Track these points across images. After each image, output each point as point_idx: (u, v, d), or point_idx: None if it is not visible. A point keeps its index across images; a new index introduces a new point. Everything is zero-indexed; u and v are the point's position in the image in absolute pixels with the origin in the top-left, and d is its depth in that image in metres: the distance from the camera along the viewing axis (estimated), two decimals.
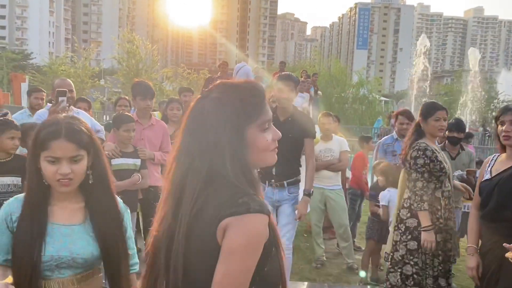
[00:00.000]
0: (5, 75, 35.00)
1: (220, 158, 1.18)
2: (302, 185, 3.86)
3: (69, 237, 1.60)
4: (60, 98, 3.50)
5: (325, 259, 5.16)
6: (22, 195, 1.63)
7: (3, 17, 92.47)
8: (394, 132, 4.99)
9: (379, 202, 4.58)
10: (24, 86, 18.85)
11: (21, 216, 1.60)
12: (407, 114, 4.85)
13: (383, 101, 28.97)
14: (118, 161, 3.72)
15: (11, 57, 45.22)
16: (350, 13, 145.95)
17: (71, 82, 4.19)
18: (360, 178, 5.61)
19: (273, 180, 3.68)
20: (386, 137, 5.17)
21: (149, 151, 3.95)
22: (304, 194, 3.73)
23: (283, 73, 4.11)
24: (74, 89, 4.15)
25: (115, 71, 30.79)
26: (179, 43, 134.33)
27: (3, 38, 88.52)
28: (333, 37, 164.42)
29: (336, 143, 5.11)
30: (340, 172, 5.20)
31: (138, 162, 3.81)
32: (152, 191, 3.93)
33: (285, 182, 3.71)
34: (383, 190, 4.56)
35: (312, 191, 3.84)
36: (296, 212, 3.71)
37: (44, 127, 1.60)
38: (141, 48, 25.81)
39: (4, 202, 3.19)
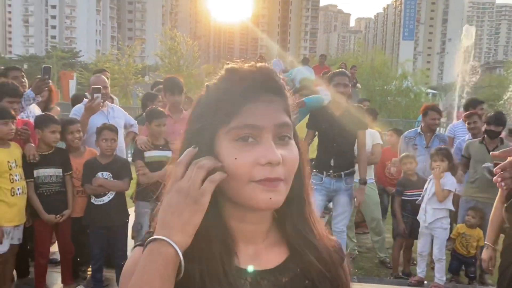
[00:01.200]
0: (55, 73, 36.72)
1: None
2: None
3: None
4: (95, 95, 3.68)
5: (356, 252, 5.15)
6: None
7: (54, 17, 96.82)
8: (420, 126, 4.95)
9: (406, 197, 4.52)
10: (72, 83, 19.72)
11: None
12: (437, 109, 4.97)
13: (431, 94, 28.01)
14: (150, 153, 3.86)
15: (61, 55, 47.36)
16: (396, 3, 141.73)
17: (105, 79, 4.39)
18: (381, 172, 5.51)
19: (331, 171, 3.90)
20: (410, 130, 5.13)
21: None
22: (360, 183, 4.03)
23: (337, 70, 4.21)
24: (108, 86, 4.35)
25: (159, 67, 31.51)
26: (221, 38, 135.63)
27: (54, 37, 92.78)
28: (377, 28, 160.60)
29: (368, 136, 4.94)
30: (372, 166, 5.11)
31: (169, 154, 3.94)
32: None
33: (342, 173, 3.93)
34: (411, 185, 4.50)
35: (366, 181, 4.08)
36: (355, 200, 4.01)
37: None
38: (182, 44, 26.29)
39: (47, 192, 3.46)
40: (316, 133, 4.13)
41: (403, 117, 20.91)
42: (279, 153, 0.76)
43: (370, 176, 5.01)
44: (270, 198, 0.76)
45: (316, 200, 4.01)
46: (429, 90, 28.86)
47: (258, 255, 0.84)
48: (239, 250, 0.82)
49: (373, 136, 5.02)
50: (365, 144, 4.09)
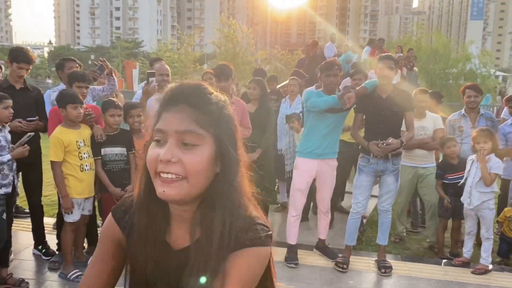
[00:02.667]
0: (119, 62, 38.57)
1: None
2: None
3: None
4: (150, 79, 4.06)
5: (404, 234, 5.21)
6: None
7: (117, 8, 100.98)
8: (464, 108, 4.91)
9: (447, 181, 4.55)
10: (135, 73, 20.78)
11: None
12: (475, 88, 4.90)
13: (501, 77, 26.47)
14: None
15: (125, 45, 49.55)
16: None
17: (168, 67, 4.77)
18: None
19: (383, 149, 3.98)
20: (454, 113, 5.08)
21: None
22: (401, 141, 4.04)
23: (383, 54, 4.31)
24: (170, 74, 4.71)
25: (216, 55, 32.19)
26: (278, 24, 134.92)
27: (118, 28, 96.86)
28: (443, 8, 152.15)
29: (429, 121, 4.89)
30: (433, 151, 5.00)
31: None
32: None
33: (389, 154, 4.02)
34: (452, 168, 4.51)
35: (405, 143, 4.11)
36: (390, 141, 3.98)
37: None
38: (238, 32, 26.65)
39: (113, 169, 3.89)
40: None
41: None
42: (178, 155, 0.93)
43: (431, 160, 4.95)
44: (164, 191, 0.95)
45: (363, 181, 4.16)
46: (498, 73, 27.31)
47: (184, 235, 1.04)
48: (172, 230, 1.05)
49: (435, 120, 4.92)
50: (412, 124, 4.17)
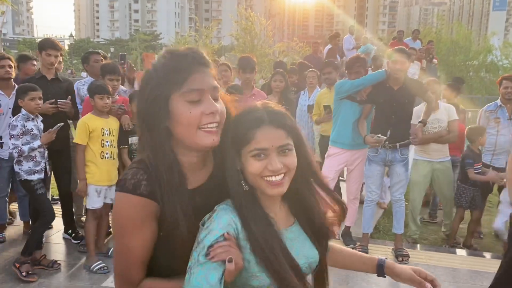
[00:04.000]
0: (138, 55, 38.96)
1: (142, 130, 1.23)
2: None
3: (295, 241, 1.28)
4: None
5: (417, 237, 4.96)
6: (223, 205, 1.21)
7: (136, 1, 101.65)
8: (499, 99, 4.88)
9: (477, 169, 4.58)
10: None
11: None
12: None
13: None
14: None
15: (143, 38, 50.00)
16: None
17: None
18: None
19: (386, 142, 4.09)
20: (489, 104, 5.05)
21: None
22: (419, 122, 4.27)
23: (396, 47, 4.37)
24: None
25: (234, 47, 32.25)
26: (296, 16, 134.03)
27: (137, 21, 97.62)
28: None
29: (443, 112, 4.73)
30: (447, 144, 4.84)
31: None
32: None
33: (397, 144, 4.12)
34: (479, 156, 4.54)
35: (426, 122, 4.27)
36: (415, 136, 4.15)
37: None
38: (256, 24, 26.64)
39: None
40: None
41: (487, 94, 19.73)
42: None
43: (446, 154, 4.84)
44: (214, 140, 1.20)
45: (374, 171, 4.25)
46: None
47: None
48: (188, 178, 1.24)
49: (448, 111, 4.74)
50: (431, 100, 4.30)
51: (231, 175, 1.20)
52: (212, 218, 1.15)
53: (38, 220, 3.76)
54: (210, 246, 1.09)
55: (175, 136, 1.20)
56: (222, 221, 1.14)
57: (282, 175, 1.17)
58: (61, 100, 4.10)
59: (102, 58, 4.73)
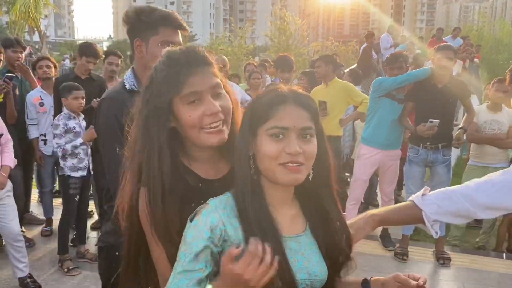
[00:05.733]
0: None
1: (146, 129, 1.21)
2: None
3: (299, 253, 1.14)
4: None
5: (457, 242, 4.76)
6: (216, 200, 1.11)
7: (172, 3, 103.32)
8: None
9: None
10: None
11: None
12: None
13: None
14: None
15: None
16: None
17: (225, 58, 4.96)
18: None
19: (428, 143, 4.00)
20: None
21: None
22: (459, 128, 4.12)
23: (442, 44, 4.29)
24: (228, 65, 4.90)
25: (268, 48, 32.27)
26: (331, 15, 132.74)
27: None
28: None
29: (505, 116, 4.41)
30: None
31: None
32: None
33: (439, 145, 4.03)
34: None
35: (467, 129, 4.13)
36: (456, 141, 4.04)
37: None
38: (291, 24, 26.57)
39: None
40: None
41: None
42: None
43: (503, 159, 4.47)
44: (219, 138, 1.19)
45: (414, 172, 4.15)
46: None
47: None
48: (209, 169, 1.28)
49: (511, 115, 4.42)
50: (472, 108, 4.20)
51: (240, 159, 1.11)
52: (201, 214, 1.07)
53: (59, 220, 3.89)
54: (197, 254, 1.02)
55: (182, 135, 1.22)
56: (210, 221, 1.05)
57: (299, 164, 1.07)
58: (96, 99, 4.22)
59: (119, 59, 4.90)
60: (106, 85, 4.49)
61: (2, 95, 4.07)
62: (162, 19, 1.75)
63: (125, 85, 1.81)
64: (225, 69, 4.69)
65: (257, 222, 1.05)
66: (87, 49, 4.30)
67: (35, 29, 21.20)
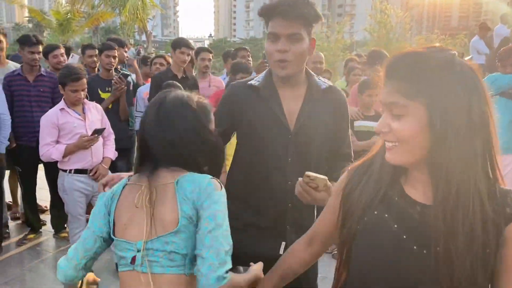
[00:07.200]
0: None
1: None
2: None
3: None
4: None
5: None
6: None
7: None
8: None
9: None
10: None
11: None
12: None
13: None
14: (360, 123, 4.10)
15: None
16: None
17: (321, 54, 4.82)
18: None
19: None
20: None
21: None
22: None
23: None
24: (323, 61, 4.75)
25: (367, 42, 31.22)
26: (437, 6, 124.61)
27: None
28: None
29: None
30: None
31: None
32: None
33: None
34: None
35: None
36: None
37: None
38: (392, 17, 25.41)
39: None
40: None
41: None
42: (389, 124, 1.01)
43: None
44: (388, 157, 1.07)
45: None
46: None
47: None
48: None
49: None
50: None
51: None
52: None
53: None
54: None
55: None
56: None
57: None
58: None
59: (249, 54, 5.07)
60: (197, 84, 4.59)
61: (111, 105, 4.25)
62: None
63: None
64: (321, 65, 4.55)
65: None
66: (179, 41, 4.44)
67: (143, 29, 22.80)
